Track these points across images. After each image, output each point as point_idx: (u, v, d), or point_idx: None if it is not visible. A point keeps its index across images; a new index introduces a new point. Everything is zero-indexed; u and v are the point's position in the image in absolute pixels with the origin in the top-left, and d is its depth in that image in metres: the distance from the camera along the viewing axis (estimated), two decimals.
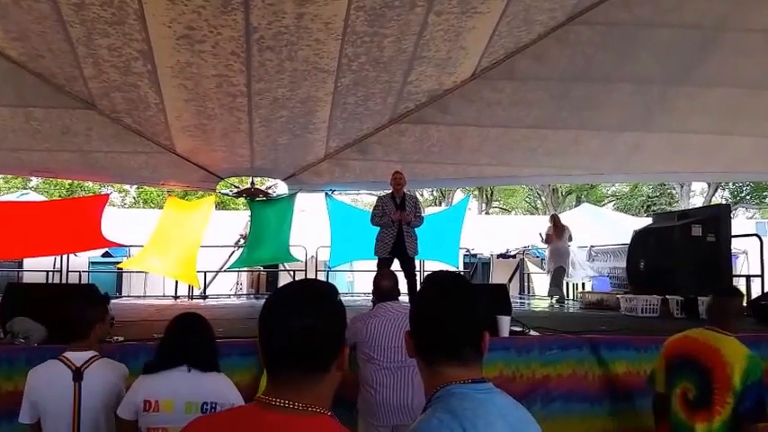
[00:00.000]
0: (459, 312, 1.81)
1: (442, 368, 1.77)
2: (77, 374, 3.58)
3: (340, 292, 1.79)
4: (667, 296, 9.09)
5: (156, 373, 3.47)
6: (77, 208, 12.17)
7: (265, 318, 1.59)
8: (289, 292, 1.67)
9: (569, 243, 13.12)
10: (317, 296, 1.63)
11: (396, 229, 8.60)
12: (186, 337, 3.55)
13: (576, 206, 29.43)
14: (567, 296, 14.32)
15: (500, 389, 1.80)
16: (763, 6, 7.68)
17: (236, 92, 8.27)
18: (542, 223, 16.98)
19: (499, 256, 18.84)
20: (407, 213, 8.58)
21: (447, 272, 2.21)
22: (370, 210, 9.30)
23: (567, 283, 15.30)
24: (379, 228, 8.77)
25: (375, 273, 7.04)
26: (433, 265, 14.28)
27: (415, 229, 8.78)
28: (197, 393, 3.39)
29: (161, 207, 15.89)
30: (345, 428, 1.55)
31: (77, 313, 3.86)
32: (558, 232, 12.94)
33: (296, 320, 1.54)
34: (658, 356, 4.54)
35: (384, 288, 5.11)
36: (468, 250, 17.52)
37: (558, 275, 12.84)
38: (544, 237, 13.27)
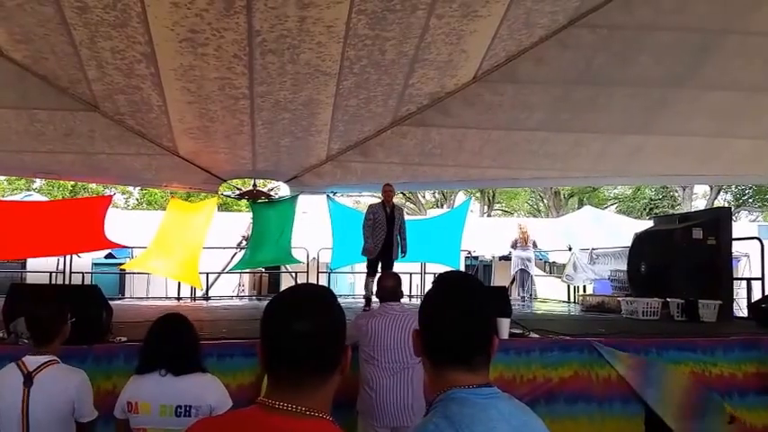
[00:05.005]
0: (468, 317, 1.76)
1: (447, 371, 1.74)
2: (28, 379, 3.43)
3: (341, 294, 1.80)
4: (668, 299, 9.10)
5: (140, 375, 3.51)
6: (81, 209, 12.19)
7: (267, 321, 1.60)
8: (290, 295, 1.68)
9: (533, 250, 14.84)
10: (317, 300, 1.65)
11: (384, 238, 9.11)
12: (161, 342, 3.56)
13: (578, 209, 29.40)
14: (568, 299, 15.18)
15: (505, 392, 1.76)
16: (763, 9, 7.69)
17: (239, 94, 8.30)
18: (545, 225, 17.23)
19: (501, 258, 18.84)
20: (404, 247, 9.44)
21: (458, 272, 2.15)
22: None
23: (569, 286, 15.43)
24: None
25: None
26: (434, 268, 14.32)
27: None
28: (170, 397, 3.40)
29: (164, 209, 15.91)
30: None
31: (45, 315, 3.67)
32: (524, 239, 14.55)
33: (298, 323, 1.55)
34: None
35: (387, 288, 5.13)
36: (469, 252, 17.53)
37: (522, 277, 14.48)
38: (512, 242, 14.81)
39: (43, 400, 3.40)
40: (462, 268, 16.63)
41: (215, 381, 3.61)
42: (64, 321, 3.72)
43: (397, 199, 34.33)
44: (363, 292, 9.19)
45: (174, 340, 3.57)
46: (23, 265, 16.09)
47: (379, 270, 9.08)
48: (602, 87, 8.81)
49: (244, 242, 14.67)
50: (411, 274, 15.22)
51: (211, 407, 3.43)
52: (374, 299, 7.14)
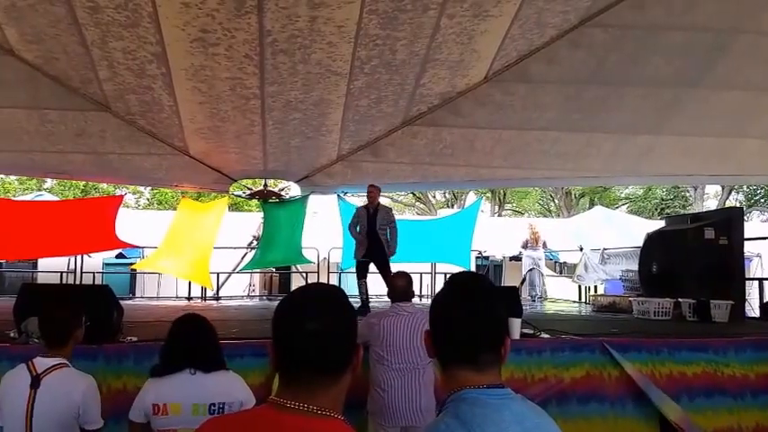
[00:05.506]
0: (478, 316, 1.75)
1: (458, 371, 1.73)
2: (35, 381, 3.37)
3: (352, 293, 1.79)
4: (680, 299, 9.06)
5: (161, 376, 3.47)
6: (92, 209, 12.23)
7: (279, 320, 1.59)
8: (301, 295, 1.67)
9: (544, 250, 15.01)
10: (329, 299, 1.64)
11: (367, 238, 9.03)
12: (187, 341, 3.54)
13: (589, 209, 29.30)
14: (579, 299, 15.13)
15: (516, 393, 1.75)
16: None
17: (250, 94, 8.31)
18: (555, 225, 17.27)
19: (511, 258, 18.81)
20: (391, 246, 9.09)
21: (468, 273, 2.15)
22: None
23: (580, 287, 15.41)
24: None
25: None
26: (444, 268, 14.31)
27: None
28: (203, 395, 3.39)
29: (175, 208, 15.96)
30: None
31: (60, 318, 3.61)
32: (535, 239, 14.66)
33: (310, 323, 1.54)
34: None
35: (399, 288, 5.11)
36: (480, 252, 17.51)
37: (532, 277, 14.55)
38: (523, 242, 14.86)
39: (48, 403, 3.35)
40: (473, 268, 16.63)
41: (239, 377, 3.62)
42: (78, 325, 3.67)
43: (408, 199, 34.48)
44: (364, 296, 9.00)
45: (200, 339, 3.57)
46: (35, 265, 16.18)
47: (373, 269, 9.09)
48: (613, 87, 8.78)
49: (254, 242, 14.68)
50: (422, 274, 15.23)
51: (242, 402, 3.43)
52: (380, 301, 7.05)
